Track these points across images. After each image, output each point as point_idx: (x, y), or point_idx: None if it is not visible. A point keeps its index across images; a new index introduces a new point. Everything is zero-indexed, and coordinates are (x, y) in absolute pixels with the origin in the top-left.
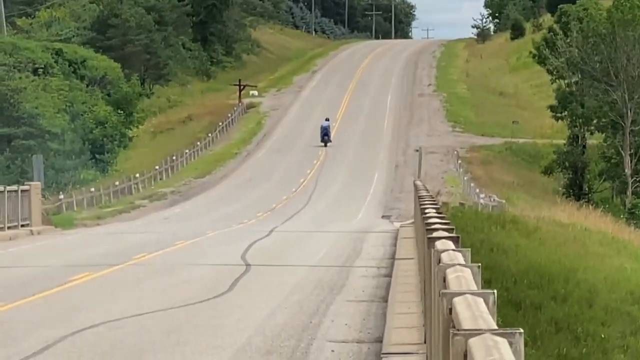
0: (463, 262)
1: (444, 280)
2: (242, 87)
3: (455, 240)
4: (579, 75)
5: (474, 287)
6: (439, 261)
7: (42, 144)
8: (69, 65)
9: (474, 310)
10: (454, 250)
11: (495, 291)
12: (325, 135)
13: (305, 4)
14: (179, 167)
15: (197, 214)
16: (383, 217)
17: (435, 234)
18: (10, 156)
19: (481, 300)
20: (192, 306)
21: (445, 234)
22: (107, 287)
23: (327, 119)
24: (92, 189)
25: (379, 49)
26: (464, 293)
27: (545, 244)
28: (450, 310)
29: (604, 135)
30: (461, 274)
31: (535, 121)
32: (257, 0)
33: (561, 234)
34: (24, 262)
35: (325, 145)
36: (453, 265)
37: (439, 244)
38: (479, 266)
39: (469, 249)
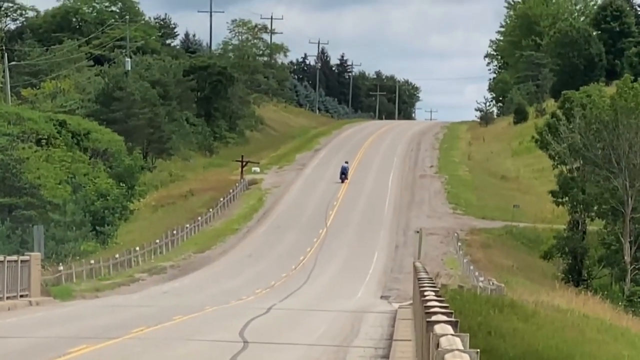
0: (462, 348)
1: None
2: (244, 163)
3: (454, 324)
4: (581, 162)
5: None
6: (438, 345)
7: (43, 215)
8: (72, 137)
9: None
10: (452, 335)
11: None
12: (342, 174)
13: (310, 82)
14: (179, 242)
15: (196, 289)
16: (382, 297)
17: (434, 318)
18: (11, 226)
19: None
20: None
21: (444, 317)
22: None
23: (346, 162)
24: (92, 261)
25: (383, 129)
26: None
27: (543, 329)
28: None
29: (604, 221)
30: None
31: (535, 206)
32: (262, 77)
33: (559, 319)
34: (22, 332)
35: (342, 182)
36: (452, 350)
37: (437, 328)
38: (477, 352)
39: (468, 334)
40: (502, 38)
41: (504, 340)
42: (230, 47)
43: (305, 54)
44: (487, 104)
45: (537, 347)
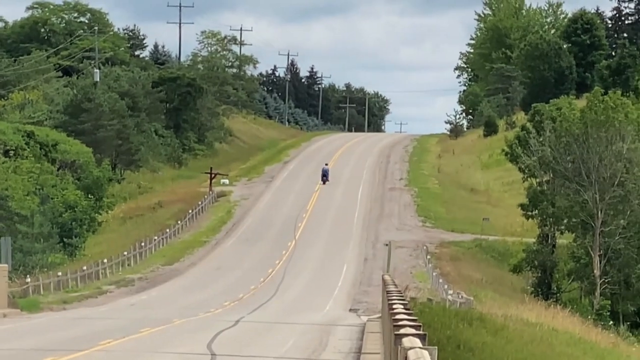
0: None
1: None
2: (213, 175)
3: (422, 337)
4: (551, 175)
5: None
6: (406, 359)
7: (10, 226)
8: (40, 148)
9: None
10: (420, 348)
11: None
12: (324, 176)
13: (279, 94)
14: (147, 254)
15: (164, 302)
16: (351, 310)
17: (402, 331)
18: None
19: None
20: None
21: (413, 331)
22: None
23: (326, 164)
24: (60, 273)
25: (352, 141)
26: None
27: (512, 343)
28: None
29: (573, 235)
30: None
31: (505, 219)
32: (231, 89)
33: (528, 333)
34: None
35: (324, 184)
36: None
37: (406, 341)
38: None
39: (436, 347)
40: (472, 50)
41: (472, 354)
42: (200, 58)
43: (274, 66)
44: (457, 116)
45: None
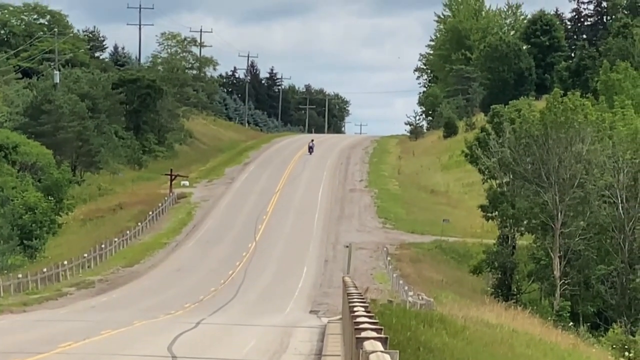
0: None
1: None
2: (173, 177)
3: (383, 341)
4: (511, 176)
5: None
6: None
7: None
8: (0, 150)
9: None
10: (382, 352)
11: None
12: (310, 148)
13: (239, 95)
14: (107, 256)
15: (124, 304)
16: (311, 312)
17: (363, 334)
18: None
19: None
20: None
21: (374, 334)
22: None
23: (312, 140)
24: (20, 275)
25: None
26: None
27: (473, 344)
28: None
29: (533, 236)
30: None
31: (465, 220)
32: (191, 90)
33: (489, 334)
34: None
35: (310, 154)
36: None
37: (367, 345)
38: None
39: (397, 351)
40: (431, 52)
41: (433, 356)
42: (160, 60)
43: (234, 67)
44: (417, 117)
45: None
